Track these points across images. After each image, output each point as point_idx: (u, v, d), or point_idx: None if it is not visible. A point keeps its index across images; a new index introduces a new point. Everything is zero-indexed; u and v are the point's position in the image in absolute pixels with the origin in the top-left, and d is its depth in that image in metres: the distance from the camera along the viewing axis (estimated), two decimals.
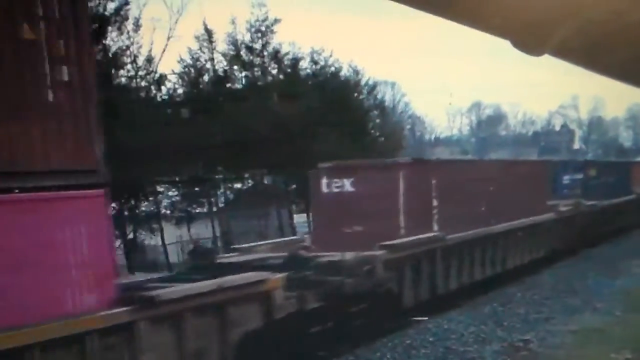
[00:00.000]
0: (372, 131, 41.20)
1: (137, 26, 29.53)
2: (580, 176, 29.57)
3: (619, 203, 32.60)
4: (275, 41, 35.28)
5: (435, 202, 17.24)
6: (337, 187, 17.01)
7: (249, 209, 34.39)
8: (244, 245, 18.05)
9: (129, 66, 30.16)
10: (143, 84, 31.06)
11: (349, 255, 14.08)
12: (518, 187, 21.76)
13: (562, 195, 27.82)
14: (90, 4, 27.38)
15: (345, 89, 38.13)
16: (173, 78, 32.81)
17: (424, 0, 2.62)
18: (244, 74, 35.33)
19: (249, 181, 37.67)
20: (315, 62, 37.32)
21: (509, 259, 21.33)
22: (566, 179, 29.09)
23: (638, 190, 37.67)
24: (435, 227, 17.21)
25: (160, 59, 31.00)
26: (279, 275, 12.09)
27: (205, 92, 33.89)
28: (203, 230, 33.78)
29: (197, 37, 33.96)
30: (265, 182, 37.92)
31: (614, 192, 32.10)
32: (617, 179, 34.59)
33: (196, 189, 34.59)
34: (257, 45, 35.04)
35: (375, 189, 16.63)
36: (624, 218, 33.97)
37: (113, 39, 28.58)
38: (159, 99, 32.13)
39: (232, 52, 34.73)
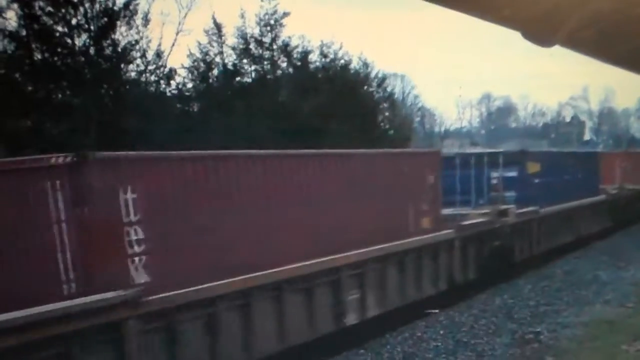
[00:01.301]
0: (382, 124, 41.17)
1: (146, 21, 29.62)
2: (514, 173, 21.55)
3: (575, 207, 25.44)
4: (284, 34, 35.34)
5: (138, 233, 9.93)
6: None
7: None
8: None
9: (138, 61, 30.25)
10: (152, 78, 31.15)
11: None
12: (366, 195, 14.53)
13: (490, 199, 20.57)
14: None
15: (355, 81, 38.09)
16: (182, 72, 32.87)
17: None
18: (253, 67, 35.36)
19: None
20: (325, 55, 37.34)
21: (328, 319, 13.52)
22: (494, 177, 21.25)
23: (611, 190, 30.04)
24: (141, 277, 9.93)
25: (169, 53, 31.10)
26: None
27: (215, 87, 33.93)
28: None
29: (206, 31, 34.05)
30: None
31: (572, 192, 25.12)
32: (579, 175, 26.69)
33: None
34: (267, 39, 35.06)
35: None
36: (584, 227, 26.90)
37: (122, 34, 28.66)
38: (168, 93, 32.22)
39: (241, 46, 34.77)
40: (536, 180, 22.47)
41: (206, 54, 34.04)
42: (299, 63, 36.06)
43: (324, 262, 13.04)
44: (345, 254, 13.57)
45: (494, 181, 21.14)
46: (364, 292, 14.34)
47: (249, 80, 35.12)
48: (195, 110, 33.12)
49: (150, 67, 30.72)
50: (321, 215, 13.34)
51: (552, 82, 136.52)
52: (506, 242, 20.22)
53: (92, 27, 27.40)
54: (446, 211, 18.31)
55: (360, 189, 14.46)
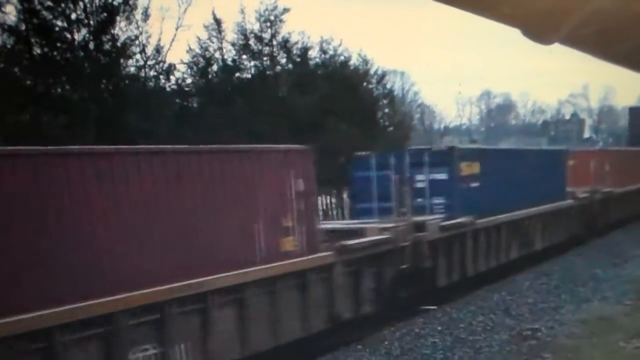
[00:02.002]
0: (381, 120, 41.14)
1: (146, 16, 29.59)
2: (443, 175, 17.88)
3: (528, 216, 21.96)
4: (284, 30, 35.30)
5: None
6: None
7: None
8: None
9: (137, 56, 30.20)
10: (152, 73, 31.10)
11: None
12: (178, 210, 11.12)
13: (418, 209, 17.34)
14: None
15: (355, 78, 38.05)
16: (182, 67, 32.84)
17: None
18: (252, 63, 35.32)
19: None
20: (325, 52, 37.29)
21: None
22: (420, 180, 17.64)
23: (580, 194, 26.30)
24: None
25: (169, 49, 31.06)
26: None
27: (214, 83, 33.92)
28: None
29: (206, 27, 34.00)
30: None
31: (526, 197, 21.60)
32: (536, 177, 22.60)
33: None
34: (266, 35, 35.01)
35: None
36: (542, 239, 23.31)
37: (122, 29, 28.62)
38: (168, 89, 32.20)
39: (241, 42, 34.72)
40: (473, 184, 18.88)
41: (206, 49, 34.00)
42: (298, 59, 36.01)
43: (83, 308, 9.02)
44: (125, 294, 9.63)
45: (420, 185, 17.64)
46: (168, 346, 10.60)
47: (249, 76, 35.09)
48: (195, 105, 33.10)
49: (150, 63, 30.68)
50: (89, 238, 9.49)
51: (552, 79, 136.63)
52: (422, 264, 16.40)
53: (91, 22, 27.35)
54: (335, 225, 15.66)
55: (170, 201, 10.87)
